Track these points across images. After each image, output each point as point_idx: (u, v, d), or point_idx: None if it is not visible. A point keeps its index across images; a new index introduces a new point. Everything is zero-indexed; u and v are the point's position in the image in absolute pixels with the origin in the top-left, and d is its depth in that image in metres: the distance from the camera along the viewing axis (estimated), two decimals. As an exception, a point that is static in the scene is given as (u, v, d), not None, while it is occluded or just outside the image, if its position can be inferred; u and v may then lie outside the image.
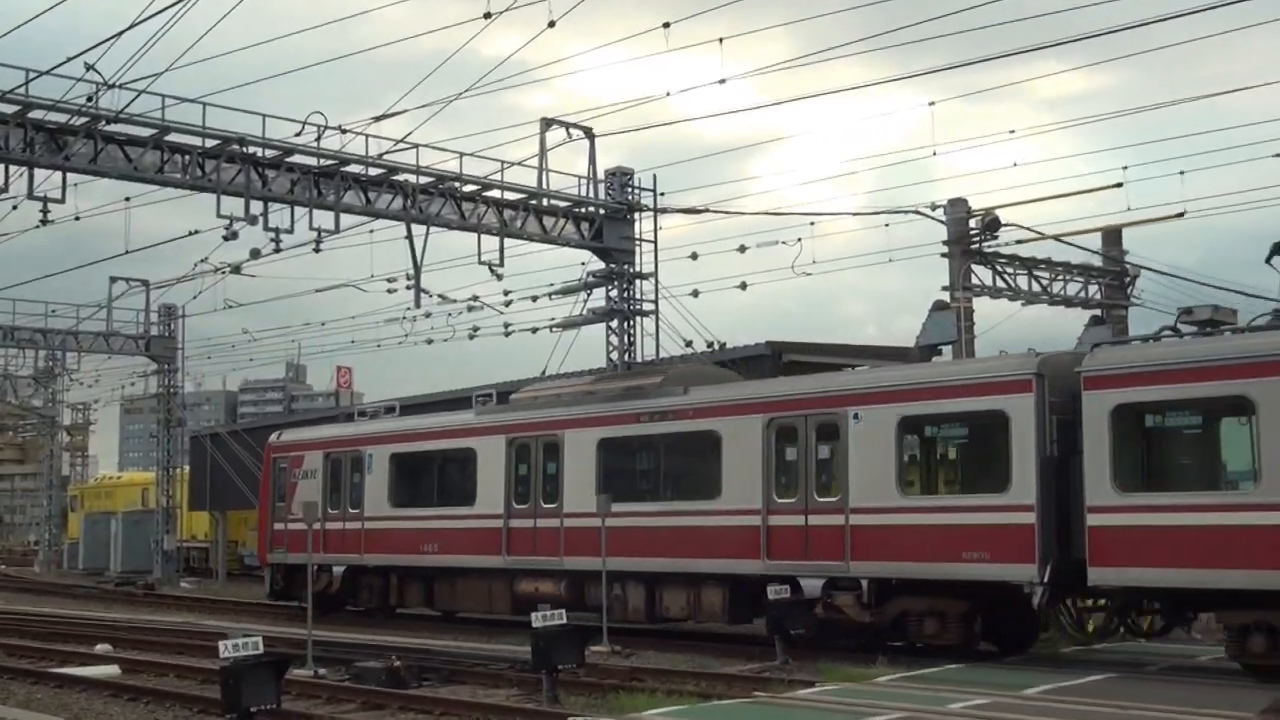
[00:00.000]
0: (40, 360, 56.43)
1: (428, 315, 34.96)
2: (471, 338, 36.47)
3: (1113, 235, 31.52)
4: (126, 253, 29.37)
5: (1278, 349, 15.36)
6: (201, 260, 33.01)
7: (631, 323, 30.92)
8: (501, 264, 29.16)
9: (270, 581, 30.84)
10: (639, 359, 30.59)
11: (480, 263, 29.14)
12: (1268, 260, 17.57)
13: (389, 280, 32.31)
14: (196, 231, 28.96)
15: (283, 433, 32.27)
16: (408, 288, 29.82)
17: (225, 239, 26.40)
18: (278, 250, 27.20)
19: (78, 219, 26.99)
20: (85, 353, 49.83)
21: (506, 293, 32.66)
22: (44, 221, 25.42)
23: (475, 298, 33.29)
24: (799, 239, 29.40)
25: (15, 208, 25.40)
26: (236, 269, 32.14)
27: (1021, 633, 19.60)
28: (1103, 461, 16.48)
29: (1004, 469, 17.64)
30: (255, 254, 28.23)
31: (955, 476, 19.31)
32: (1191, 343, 16.71)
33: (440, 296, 31.93)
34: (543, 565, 23.75)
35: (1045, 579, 17.06)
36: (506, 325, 34.87)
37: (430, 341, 38.26)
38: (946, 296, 27.09)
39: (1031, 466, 17.31)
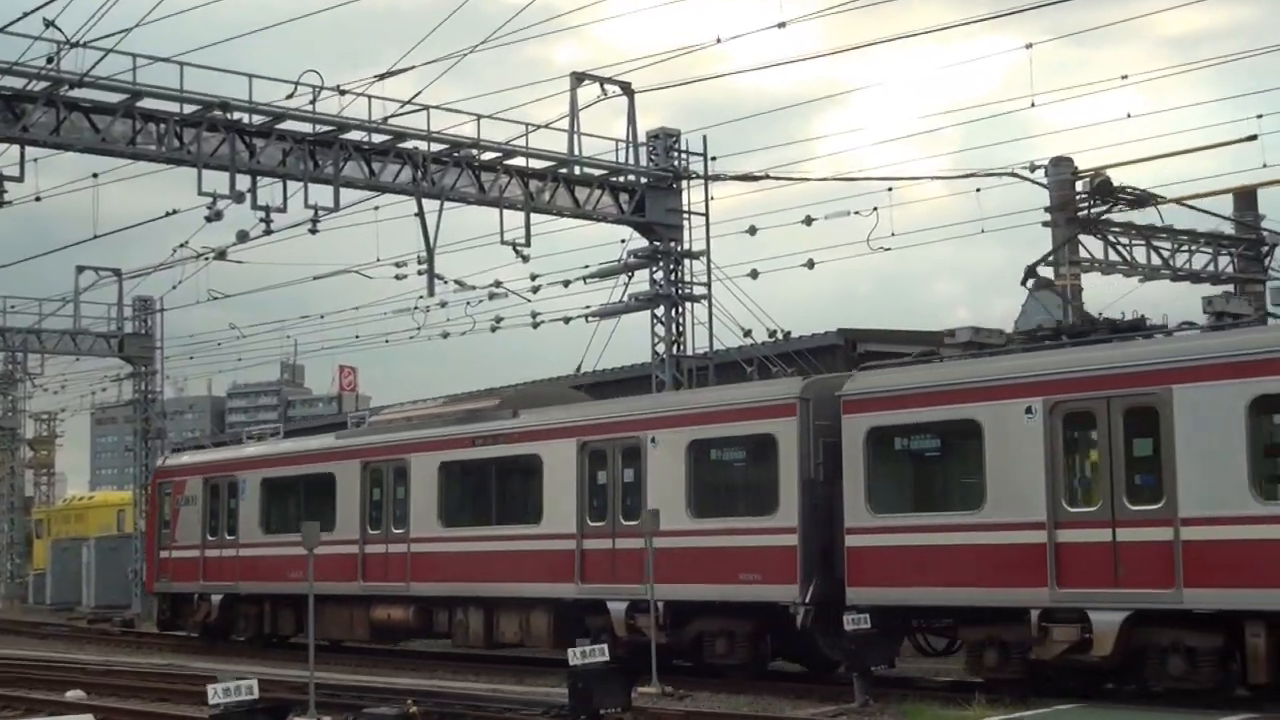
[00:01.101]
0: (-2, 364, 57.15)
1: (443, 305, 35.20)
2: (494, 330, 36.59)
3: (1246, 197, 31.22)
4: (95, 237, 29.39)
5: (1000, 375, 18.61)
6: (181, 245, 33.27)
7: (681, 309, 30.93)
8: (528, 243, 29.26)
9: (157, 611, 35.53)
10: (690, 351, 30.60)
11: (503, 243, 29.23)
12: (1023, 282, 21.32)
13: (398, 265, 32.55)
14: (175, 212, 29.22)
15: (168, 457, 37.19)
16: (420, 273, 30.00)
17: (208, 220, 26.61)
18: (269, 232, 27.42)
19: (38, 199, 27.25)
20: (49, 354, 50.40)
21: (534, 277, 32.84)
22: (-1, 202, 25.72)
23: (498, 283, 33.51)
24: (874, 208, 29.27)
25: (-34, 188, 25.63)
26: (221, 254, 32.46)
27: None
28: (858, 483, 19.72)
29: (773, 491, 20.86)
30: (243, 237, 28.50)
31: (736, 499, 22.29)
32: (934, 368, 19.95)
33: (457, 283, 32.07)
34: (392, 591, 27.24)
35: (807, 599, 20.14)
36: (534, 315, 34.98)
37: (446, 335, 38.42)
38: (1049, 273, 26.90)
39: (795, 489, 20.49)
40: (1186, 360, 16.71)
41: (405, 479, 27.18)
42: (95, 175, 28.28)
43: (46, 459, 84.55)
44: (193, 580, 32.82)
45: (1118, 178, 27.51)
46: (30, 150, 25.31)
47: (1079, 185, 27.63)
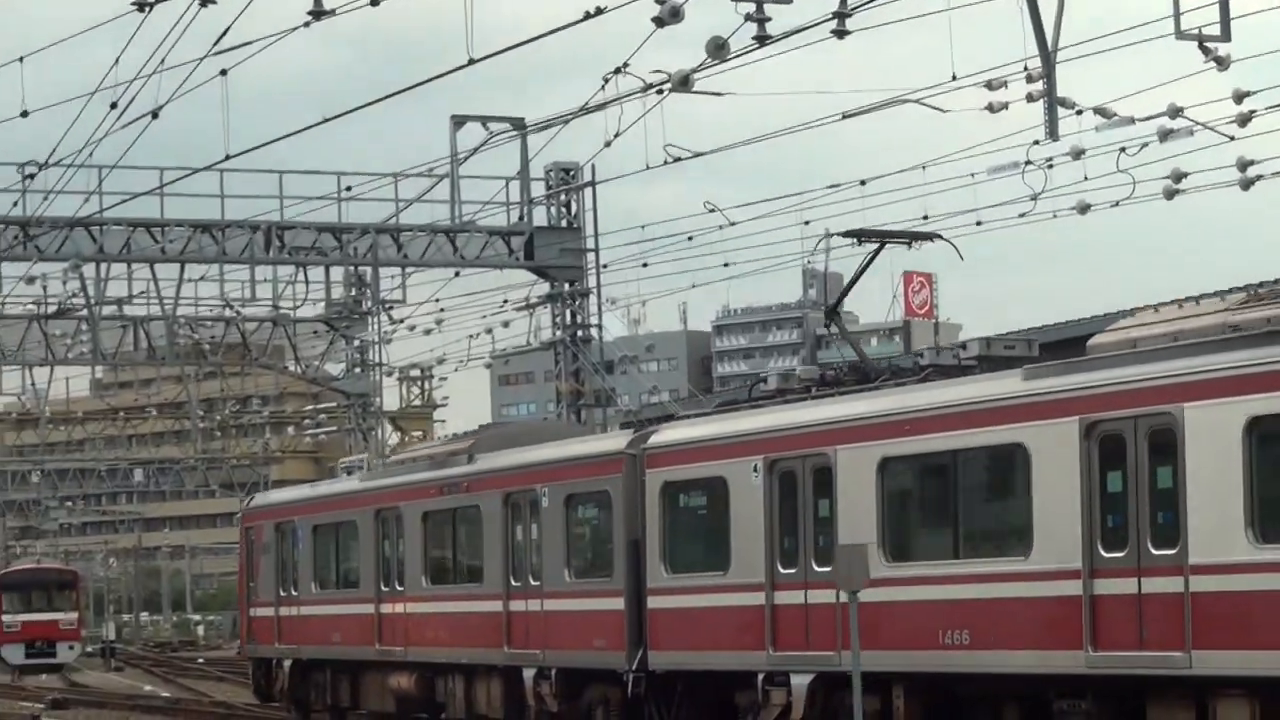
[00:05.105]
0: (333, 289, 58.44)
1: (1076, 156, 34.80)
2: (1170, 196, 35.97)
3: None
4: (470, 62, 29.94)
5: (739, 432, 29.08)
6: (616, 71, 33.72)
7: None
8: (1225, 35, 28.75)
9: (253, 679, 50.96)
10: None
11: (1179, 36, 28.84)
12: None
13: (988, 87, 32.77)
14: (599, 12, 29.48)
15: (254, 497, 54.43)
16: (1030, 99, 29.84)
17: (658, 23, 26.97)
18: (762, 41, 27.85)
19: (374, 3, 28.09)
20: (414, 267, 52.15)
21: (1240, 97, 32.23)
22: (316, 12, 27.17)
23: (1175, 111, 32.81)
24: None
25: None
26: (684, 82, 32.71)
27: None
28: (655, 541, 30.42)
29: (609, 551, 31.99)
30: (717, 50, 28.73)
31: (590, 559, 33.67)
32: (707, 422, 30.92)
33: (1098, 113, 31.65)
34: (394, 656, 39.79)
35: (634, 666, 30.45)
36: (1243, 164, 34.07)
37: (1086, 209, 38.28)
38: None
39: (623, 549, 31.32)
40: (846, 422, 26.73)
41: (401, 529, 39.84)
42: (460, -43, 29.08)
43: (420, 442, 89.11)
44: (270, 642, 47.16)
45: None
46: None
47: None
